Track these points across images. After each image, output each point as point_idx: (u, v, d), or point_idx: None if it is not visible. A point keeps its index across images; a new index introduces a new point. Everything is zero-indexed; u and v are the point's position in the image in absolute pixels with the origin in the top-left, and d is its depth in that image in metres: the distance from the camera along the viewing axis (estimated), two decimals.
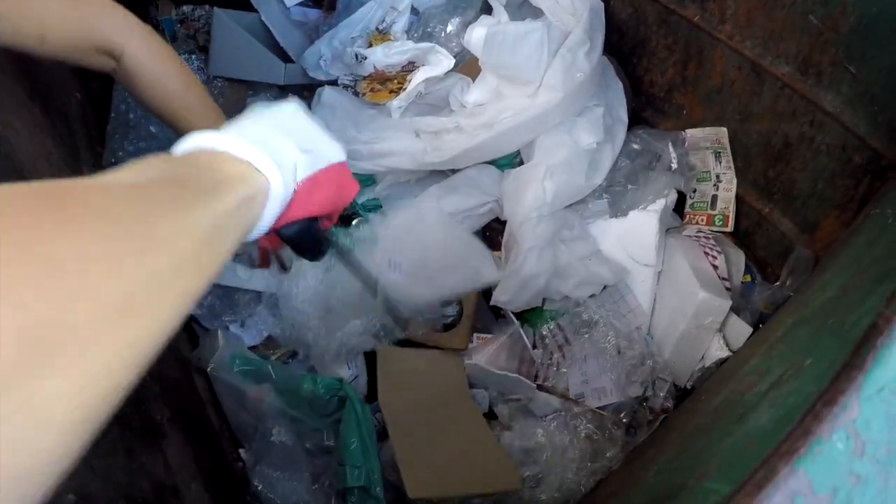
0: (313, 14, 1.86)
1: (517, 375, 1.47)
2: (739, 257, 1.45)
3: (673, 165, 1.50)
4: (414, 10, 1.71)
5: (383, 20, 1.69)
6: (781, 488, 0.46)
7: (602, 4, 1.52)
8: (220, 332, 1.45)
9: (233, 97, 1.71)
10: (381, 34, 1.69)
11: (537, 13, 1.57)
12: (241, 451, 1.40)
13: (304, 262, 1.47)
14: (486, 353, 1.52)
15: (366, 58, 1.61)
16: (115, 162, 1.59)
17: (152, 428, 1.07)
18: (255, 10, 1.77)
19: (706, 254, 1.43)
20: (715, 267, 1.41)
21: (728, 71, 1.37)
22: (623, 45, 1.61)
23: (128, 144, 1.61)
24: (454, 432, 1.44)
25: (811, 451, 0.47)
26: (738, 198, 1.47)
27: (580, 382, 1.45)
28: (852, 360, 0.51)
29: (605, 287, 1.51)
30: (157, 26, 1.83)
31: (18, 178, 0.91)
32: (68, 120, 1.41)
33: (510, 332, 1.53)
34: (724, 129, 1.45)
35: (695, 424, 1.12)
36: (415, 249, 1.50)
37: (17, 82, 1.11)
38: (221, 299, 1.60)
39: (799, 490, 0.45)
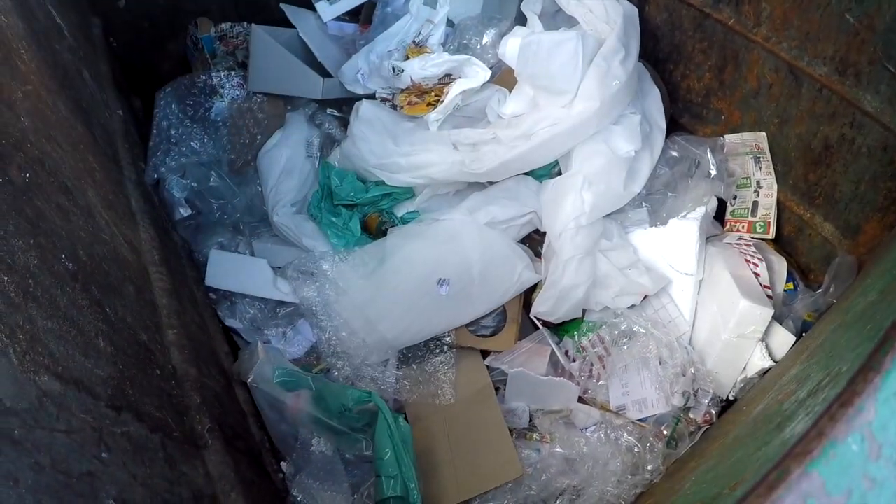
0: (350, 28, 1.91)
1: (561, 378, 1.48)
2: (781, 265, 1.43)
3: (712, 172, 1.49)
4: (449, 22, 1.74)
5: (419, 33, 1.72)
6: (794, 490, 0.46)
7: (636, 11, 1.53)
8: (259, 344, 1.49)
9: (271, 111, 1.76)
10: (418, 47, 1.72)
11: (572, 22, 1.58)
12: (282, 463, 1.43)
13: (347, 274, 1.52)
14: (526, 363, 1.53)
15: (403, 71, 1.64)
16: (157, 177, 1.65)
17: (193, 437, 1.10)
18: (293, 26, 1.82)
19: (747, 261, 1.42)
20: (756, 275, 1.40)
21: (765, 74, 1.36)
22: (659, 51, 1.61)
23: (170, 160, 1.67)
24: (472, 433, 1.47)
25: (825, 454, 0.47)
26: (778, 203, 1.46)
27: (621, 394, 1.45)
28: (870, 362, 0.50)
29: (645, 297, 1.51)
30: (196, 44, 1.90)
31: (64, 195, 0.97)
32: (111, 136, 1.47)
33: (547, 342, 1.54)
34: (763, 134, 1.44)
35: (734, 435, 1.11)
36: (458, 265, 1.53)
37: (59, 98, 1.16)
38: (263, 312, 1.64)
39: (811, 492, 0.45)
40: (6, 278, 0.70)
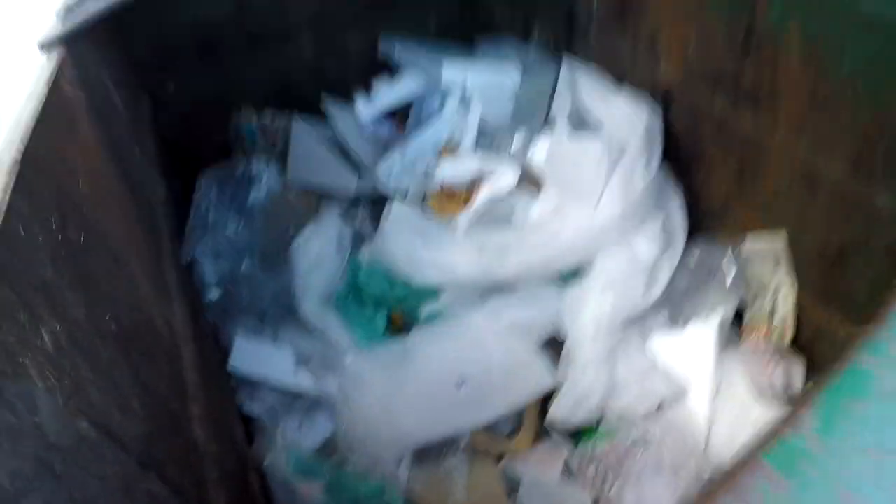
0: (386, 128, 2.03)
1: (575, 488, 1.49)
2: (800, 369, 1.46)
3: (731, 277, 1.55)
4: (482, 125, 1.86)
5: (452, 135, 1.84)
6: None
7: (659, 117, 1.63)
8: (278, 430, 1.54)
9: (306, 204, 1.87)
10: (450, 148, 1.84)
11: (598, 125, 1.70)
12: None
13: (369, 368, 1.58)
14: (541, 468, 1.55)
15: (434, 172, 1.76)
16: (192, 258, 1.76)
17: None
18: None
19: (765, 367, 1.45)
20: (775, 380, 1.43)
21: (783, 176, 1.43)
22: (680, 156, 1.70)
23: (205, 243, 1.77)
24: None
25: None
26: (797, 306, 1.50)
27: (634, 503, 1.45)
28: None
29: (661, 403, 1.53)
30: (238, 132, 2.04)
31: (112, 260, 1.06)
32: (154, 212, 1.57)
33: (562, 447, 1.58)
34: (782, 237, 1.50)
35: None
36: (479, 367, 1.58)
37: (111, 169, 1.27)
38: (283, 400, 1.69)
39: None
40: (58, 326, 0.77)
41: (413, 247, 1.70)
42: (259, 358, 1.71)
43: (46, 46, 1.35)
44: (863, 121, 1.21)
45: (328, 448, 1.64)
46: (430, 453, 1.60)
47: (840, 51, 1.22)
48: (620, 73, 1.77)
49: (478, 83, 1.89)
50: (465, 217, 1.69)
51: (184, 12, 1.88)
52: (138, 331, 1.08)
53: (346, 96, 2.06)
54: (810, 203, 1.39)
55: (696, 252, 1.61)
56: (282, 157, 1.99)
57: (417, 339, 1.65)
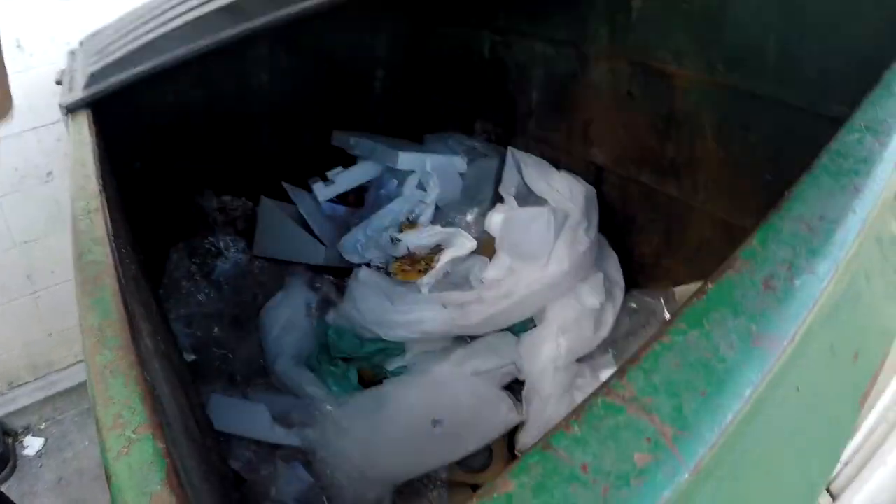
0: (340, 210, 2.39)
1: None
2: None
3: (666, 318, 1.99)
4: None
5: (412, 212, 2.23)
6: None
7: (594, 191, 2.08)
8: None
9: (272, 274, 2.18)
10: (411, 223, 2.23)
11: (540, 201, 2.14)
12: None
13: (349, 414, 1.85)
14: None
15: (400, 241, 2.13)
16: (170, 320, 2.01)
17: None
18: (290, 203, 2.30)
19: None
20: None
21: (704, 232, 1.88)
22: (615, 221, 2.14)
23: (178, 309, 2.04)
24: None
25: None
26: None
27: None
28: None
29: None
30: (200, 211, 2.33)
31: None
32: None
33: None
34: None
35: None
36: (449, 408, 1.89)
37: None
38: (258, 455, 1.92)
39: None
40: None
41: (382, 306, 2.00)
42: (237, 415, 1.93)
43: (72, 109, 1.60)
44: (769, 178, 1.66)
45: (307, 497, 1.87)
46: (409, 492, 1.87)
47: (746, 128, 1.69)
48: (556, 158, 2.23)
49: (432, 167, 2.31)
50: (428, 278, 2.03)
51: (160, 97, 2.20)
52: None
53: (301, 184, 2.40)
54: (730, 251, 1.85)
55: (634, 300, 2.03)
56: (243, 234, 2.29)
57: (391, 388, 1.93)
